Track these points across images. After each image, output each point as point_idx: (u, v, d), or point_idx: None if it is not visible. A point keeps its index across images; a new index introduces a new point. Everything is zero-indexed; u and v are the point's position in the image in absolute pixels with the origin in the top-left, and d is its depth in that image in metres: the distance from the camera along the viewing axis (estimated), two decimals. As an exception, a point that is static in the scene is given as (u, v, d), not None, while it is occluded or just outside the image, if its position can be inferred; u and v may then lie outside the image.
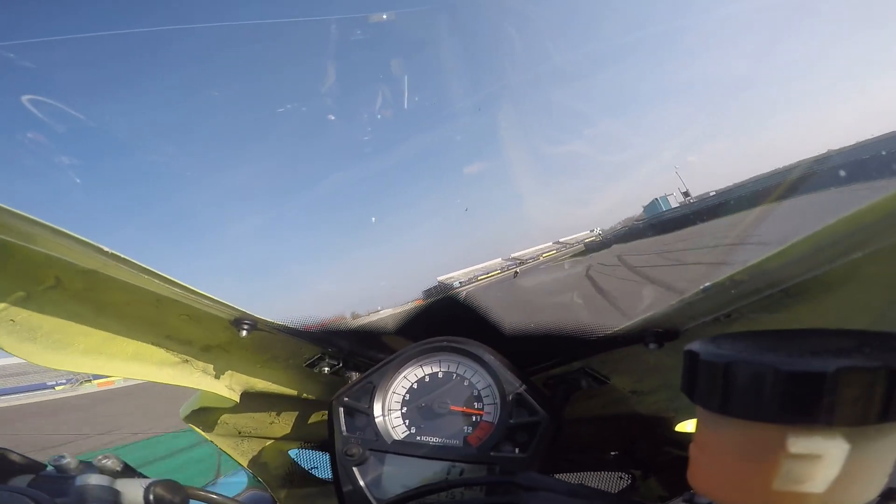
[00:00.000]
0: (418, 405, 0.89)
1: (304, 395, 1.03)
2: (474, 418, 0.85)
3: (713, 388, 0.34)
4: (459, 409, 0.86)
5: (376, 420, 0.87)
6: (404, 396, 0.90)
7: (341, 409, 0.89)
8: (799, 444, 0.31)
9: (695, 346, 0.37)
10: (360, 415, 0.88)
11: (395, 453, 0.84)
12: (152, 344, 0.78)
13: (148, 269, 0.64)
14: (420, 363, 0.91)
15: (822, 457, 0.31)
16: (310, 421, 1.06)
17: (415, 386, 0.90)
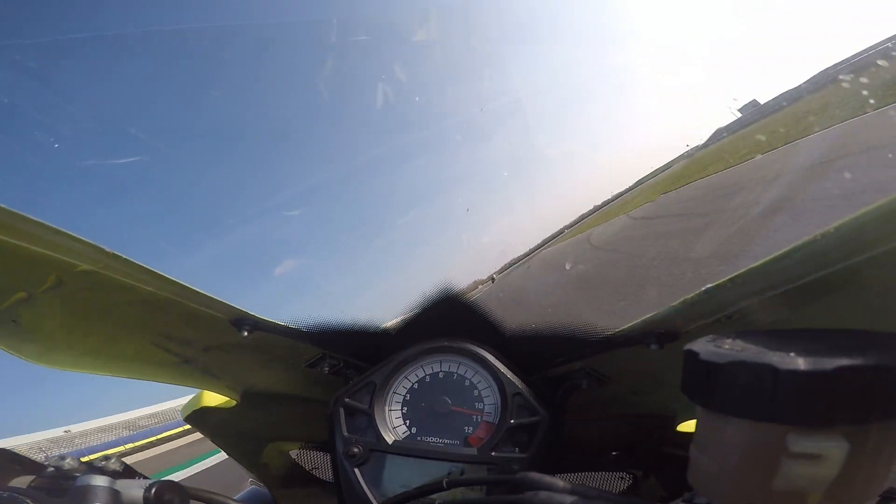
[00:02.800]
0: (419, 405, 0.89)
1: (305, 395, 1.03)
2: (475, 418, 0.85)
3: (713, 388, 0.34)
4: (460, 409, 0.86)
5: (377, 420, 0.86)
6: (405, 397, 0.90)
7: (342, 410, 0.89)
8: (799, 443, 0.31)
9: (694, 345, 0.37)
10: (361, 415, 0.88)
11: (396, 454, 0.84)
12: (153, 344, 0.78)
13: (149, 270, 0.64)
14: (421, 364, 0.91)
15: (822, 457, 0.31)
16: (310, 421, 1.06)
17: (415, 386, 0.90)
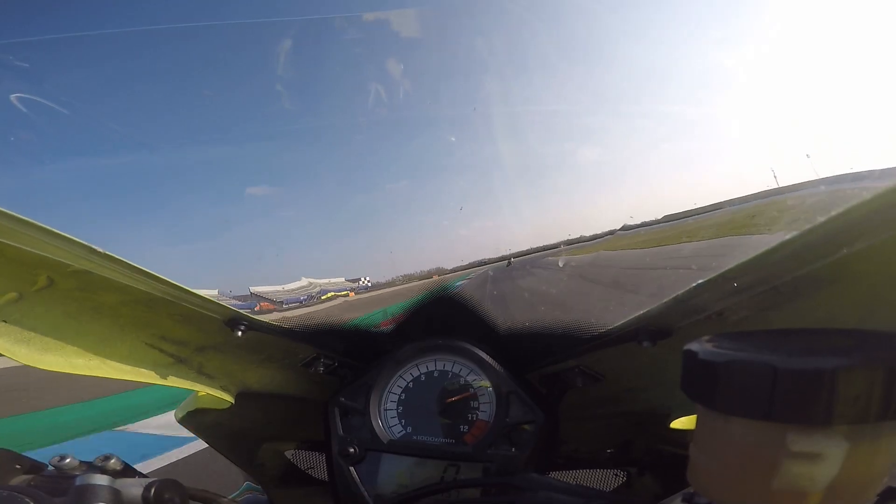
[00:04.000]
0: (414, 404, 0.89)
1: (300, 394, 1.03)
2: (470, 417, 0.86)
3: (713, 388, 0.35)
4: (455, 408, 0.87)
5: (372, 420, 0.87)
6: (400, 396, 0.90)
7: (337, 410, 0.89)
8: (799, 442, 0.31)
9: (694, 345, 0.37)
10: (356, 415, 0.88)
11: (391, 453, 0.84)
12: (146, 345, 0.77)
13: (141, 270, 0.64)
14: (416, 363, 0.92)
15: (822, 456, 0.31)
16: (306, 421, 1.06)
17: (410, 385, 0.91)
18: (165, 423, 5.46)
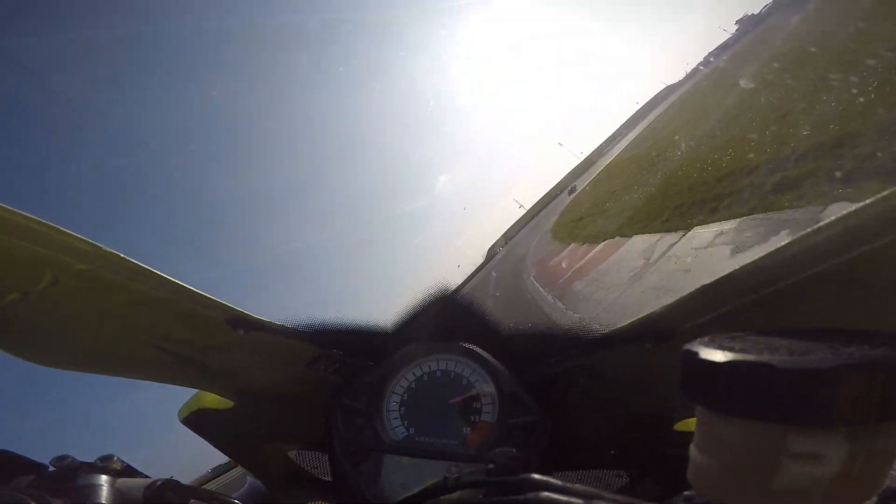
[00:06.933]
0: (417, 405, 0.89)
1: (303, 395, 1.03)
2: (473, 418, 0.85)
3: (712, 388, 0.35)
4: (458, 408, 0.87)
5: (375, 420, 0.87)
6: (403, 396, 0.90)
7: (340, 410, 0.89)
8: (799, 443, 0.31)
9: (693, 345, 0.37)
10: (359, 415, 0.89)
11: (394, 453, 0.84)
12: (149, 344, 0.78)
13: (145, 269, 0.64)
14: (418, 363, 0.92)
15: (822, 456, 0.31)
16: (309, 421, 1.06)
17: (413, 386, 0.91)
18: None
